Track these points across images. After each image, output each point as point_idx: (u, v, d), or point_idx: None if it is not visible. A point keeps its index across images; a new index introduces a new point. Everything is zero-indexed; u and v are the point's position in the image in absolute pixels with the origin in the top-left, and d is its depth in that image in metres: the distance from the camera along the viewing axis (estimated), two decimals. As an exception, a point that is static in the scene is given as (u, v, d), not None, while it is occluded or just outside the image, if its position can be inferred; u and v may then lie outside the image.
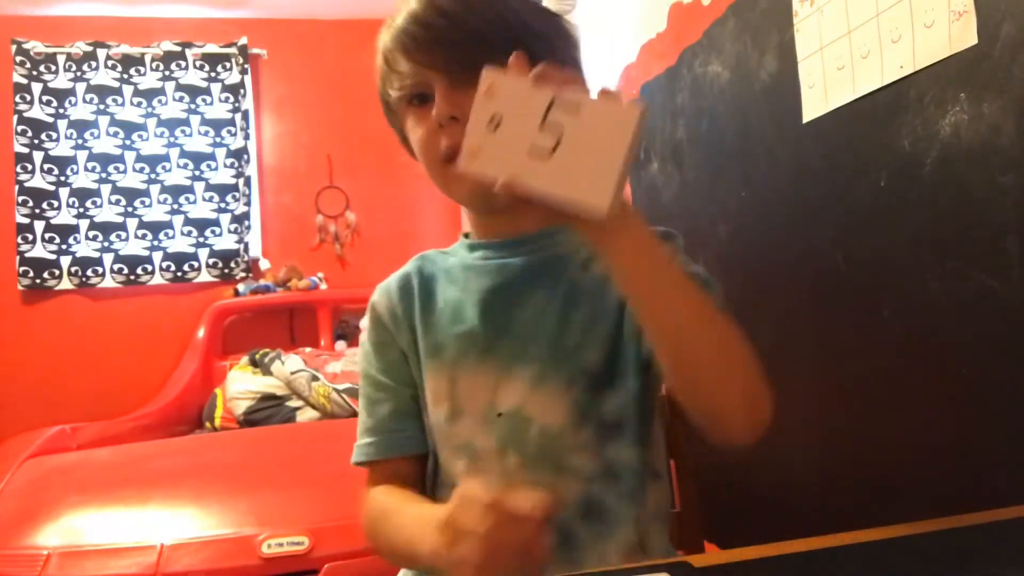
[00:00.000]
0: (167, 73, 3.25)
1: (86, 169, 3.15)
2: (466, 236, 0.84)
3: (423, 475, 0.79)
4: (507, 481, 0.67)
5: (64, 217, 3.11)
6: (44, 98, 3.13)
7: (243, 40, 3.28)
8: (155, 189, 3.20)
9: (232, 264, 3.23)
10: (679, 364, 0.61)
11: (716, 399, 0.61)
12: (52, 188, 3.10)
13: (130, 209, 3.17)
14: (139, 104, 3.22)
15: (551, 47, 0.72)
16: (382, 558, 0.76)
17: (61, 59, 3.15)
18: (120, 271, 3.14)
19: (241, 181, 3.24)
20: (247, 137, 3.27)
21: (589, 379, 0.72)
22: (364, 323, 0.83)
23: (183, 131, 3.24)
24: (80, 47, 3.16)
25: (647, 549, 0.73)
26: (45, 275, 3.07)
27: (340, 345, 3.11)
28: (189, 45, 3.26)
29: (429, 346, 0.77)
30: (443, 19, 0.70)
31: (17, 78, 3.10)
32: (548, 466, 0.72)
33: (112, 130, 3.18)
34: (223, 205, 3.24)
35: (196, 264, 3.20)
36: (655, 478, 0.76)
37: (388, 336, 0.80)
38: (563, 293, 0.74)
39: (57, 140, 3.13)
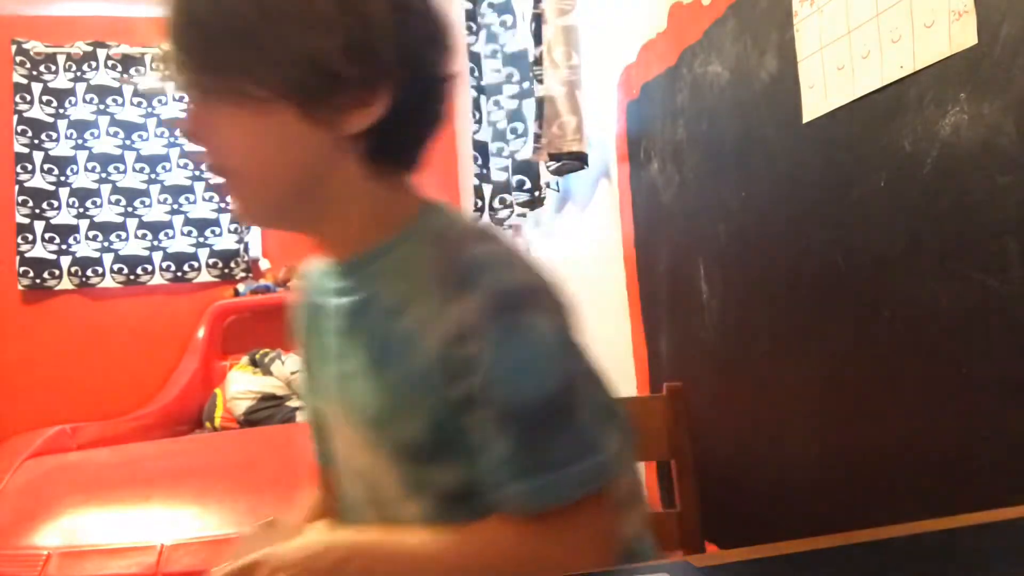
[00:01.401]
0: (167, 73, 3.24)
1: (86, 169, 3.15)
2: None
3: None
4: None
5: (64, 217, 3.11)
6: (44, 98, 3.13)
7: (243, 40, 3.28)
8: (155, 189, 3.21)
9: (232, 264, 3.23)
10: None
11: None
12: (52, 188, 3.10)
13: (130, 209, 3.17)
14: (139, 104, 3.22)
15: (294, 59, 0.56)
16: None
17: (61, 59, 3.15)
18: (120, 271, 3.14)
19: (241, 181, 3.25)
20: (247, 137, 3.27)
21: (413, 451, 0.61)
22: None
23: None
24: (80, 47, 3.17)
25: None
26: (45, 275, 3.07)
27: (340, 345, 3.11)
28: (189, 45, 3.26)
29: (307, 380, 0.76)
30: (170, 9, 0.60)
31: (17, 78, 3.10)
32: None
33: (112, 130, 3.18)
34: (223, 205, 3.24)
35: (196, 264, 3.20)
36: None
37: (300, 350, 0.78)
38: (376, 350, 0.62)
39: (57, 140, 3.13)
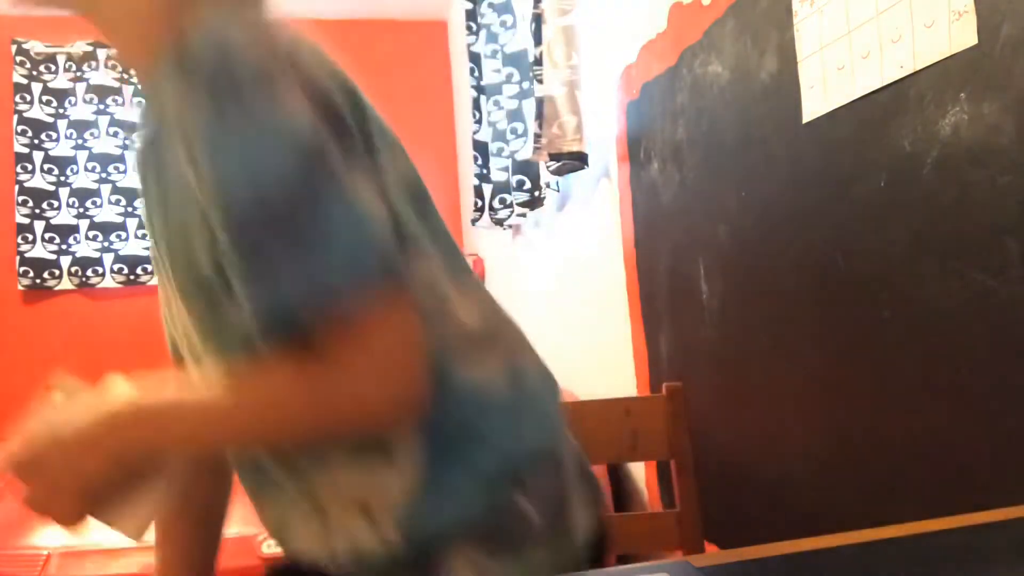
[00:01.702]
0: (167, 73, 3.25)
1: (86, 169, 3.15)
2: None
3: None
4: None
5: (64, 217, 3.11)
6: (44, 98, 3.13)
7: (243, 40, 3.28)
8: (155, 189, 3.21)
9: (232, 264, 3.23)
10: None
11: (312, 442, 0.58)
12: (52, 188, 3.10)
13: (130, 209, 3.17)
14: (139, 104, 3.22)
15: None
16: None
17: (61, 59, 3.15)
18: (120, 271, 3.14)
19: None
20: (247, 137, 3.27)
21: (205, 290, 0.58)
22: None
23: (183, 131, 3.24)
24: (80, 47, 3.17)
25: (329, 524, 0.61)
26: (45, 275, 3.07)
27: (340, 345, 3.11)
28: (189, 45, 3.27)
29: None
30: None
31: (17, 78, 3.10)
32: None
33: (112, 130, 3.18)
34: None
35: (196, 264, 3.21)
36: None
37: None
38: (163, 185, 0.59)
39: (57, 140, 3.13)
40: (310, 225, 0.49)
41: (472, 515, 0.59)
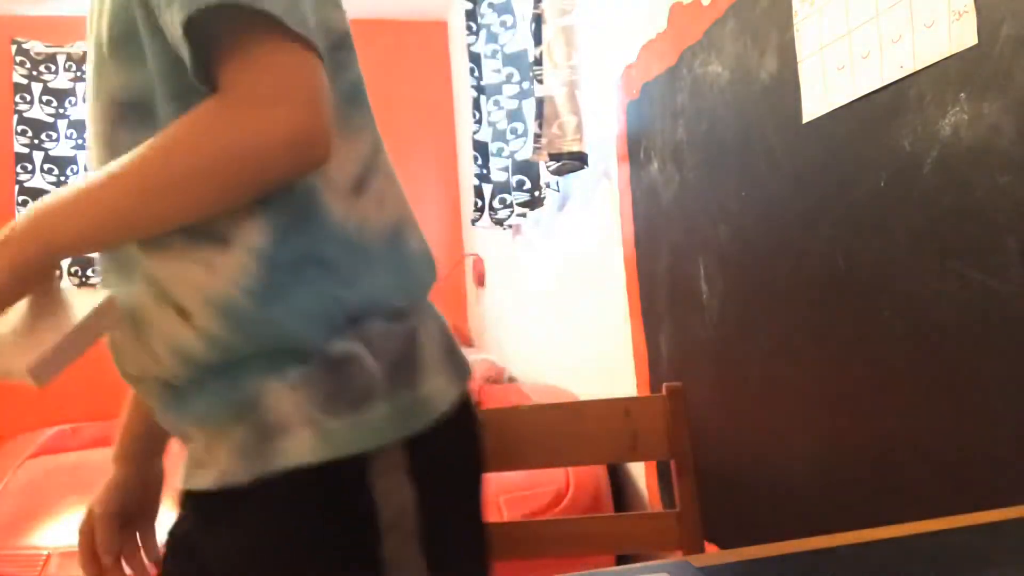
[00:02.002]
0: (167, 73, 3.25)
1: (86, 169, 3.15)
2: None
3: None
4: None
5: (64, 217, 3.11)
6: (44, 98, 3.13)
7: (243, 40, 3.28)
8: (155, 189, 3.21)
9: (232, 264, 3.23)
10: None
11: (217, 203, 0.54)
12: (52, 188, 3.10)
13: (130, 209, 3.18)
14: None
15: None
16: None
17: (61, 59, 3.15)
18: (120, 271, 3.14)
19: (241, 181, 3.25)
20: (247, 137, 3.27)
21: (105, 48, 0.59)
22: None
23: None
24: (80, 47, 3.17)
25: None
26: (45, 275, 3.07)
27: (340, 345, 3.11)
28: (189, 45, 3.27)
29: None
30: None
31: (17, 78, 3.10)
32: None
33: (112, 130, 3.18)
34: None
35: (196, 264, 3.21)
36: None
37: None
38: None
39: (57, 140, 3.13)
40: None
41: (307, 338, 0.56)
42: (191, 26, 0.50)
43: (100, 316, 0.56)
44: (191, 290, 0.56)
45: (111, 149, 0.59)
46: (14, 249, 0.53)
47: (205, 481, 0.59)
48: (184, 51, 0.52)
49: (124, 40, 0.57)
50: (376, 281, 0.60)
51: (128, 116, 0.58)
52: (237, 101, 0.52)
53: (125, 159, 0.53)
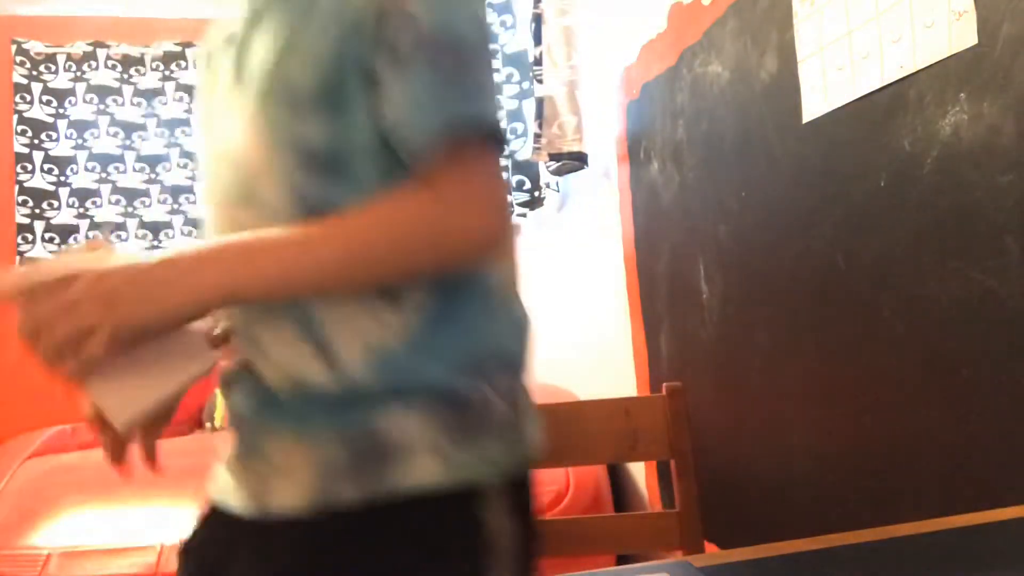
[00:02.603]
0: (167, 73, 3.25)
1: (86, 169, 3.15)
2: None
3: None
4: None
5: (64, 217, 3.11)
6: (44, 98, 3.13)
7: (243, 40, 3.29)
8: (155, 189, 3.21)
9: (232, 264, 3.23)
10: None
11: (398, 278, 0.59)
12: (52, 188, 3.10)
13: (130, 209, 3.17)
14: (139, 104, 3.22)
15: None
16: None
17: (61, 59, 3.15)
18: (120, 271, 3.14)
19: (241, 181, 3.25)
20: (247, 137, 3.27)
21: (294, 96, 0.60)
22: None
23: (183, 131, 3.24)
24: (80, 47, 3.17)
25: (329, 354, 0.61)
26: (45, 275, 3.07)
27: (340, 345, 3.11)
28: (189, 45, 3.27)
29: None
30: None
31: (17, 78, 3.10)
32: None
33: (112, 130, 3.18)
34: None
35: (196, 264, 3.21)
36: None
37: None
38: (293, 10, 0.61)
39: (57, 140, 3.13)
40: (475, 67, 0.59)
41: (442, 380, 0.60)
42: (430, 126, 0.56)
43: (206, 367, 0.57)
44: (352, 336, 0.59)
45: (291, 195, 0.60)
46: (190, 289, 0.54)
47: (291, 499, 0.59)
48: (409, 138, 0.57)
49: (327, 91, 0.58)
50: (501, 334, 0.65)
51: (315, 165, 0.59)
52: (450, 203, 0.58)
53: (330, 225, 0.56)
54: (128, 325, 0.52)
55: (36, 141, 3.10)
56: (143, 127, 3.22)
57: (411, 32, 0.57)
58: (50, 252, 3.08)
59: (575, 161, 1.94)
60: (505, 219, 0.61)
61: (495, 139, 0.60)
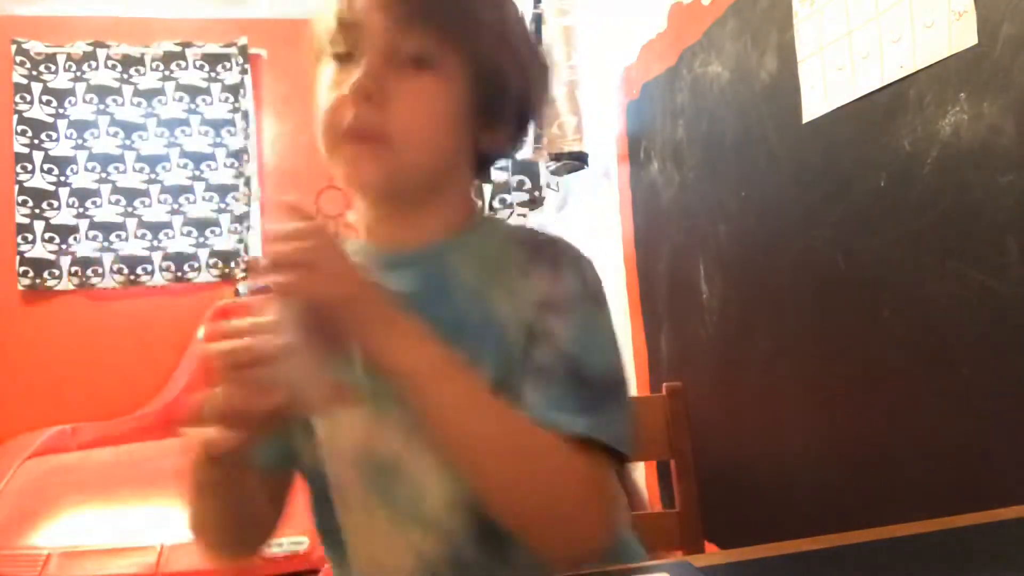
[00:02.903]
0: (167, 73, 3.25)
1: (86, 169, 3.15)
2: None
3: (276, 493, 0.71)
4: (374, 530, 0.64)
5: (64, 217, 3.11)
6: (44, 98, 3.13)
7: (243, 40, 3.28)
8: (155, 189, 3.21)
9: (232, 264, 3.23)
10: (457, 461, 0.58)
11: (504, 507, 0.57)
12: (52, 188, 3.10)
13: (130, 209, 3.17)
14: (139, 104, 3.22)
15: (510, 72, 0.66)
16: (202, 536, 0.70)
17: (61, 59, 3.15)
18: (120, 271, 3.14)
19: (241, 181, 3.25)
20: (247, 137, 3.27)
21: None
22: None
23: (183, 131, 3.24)
24: (80, 47, 3.17)
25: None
26: (45, 275, 3.07)
27: (340, 345, 3.11)
28: (189, 45, 3.27)
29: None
30: None
31: (17, 78, 3.10)
32: (416, 525, 0.64)
33: (112, 130, 3.18)
34: (223, 205, 3.24)
35: (196, 264, 3.20)
36: None
37: None
38: (447, 327, 0.61)
39: (57, 140, 3.13)
40: (623, 398, 0.64)
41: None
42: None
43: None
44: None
45: None
46: (382, 335, 0.56)
47: None
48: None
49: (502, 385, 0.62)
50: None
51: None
52: (592, 489, 0.59)
53: (502, 405, 0.58)
54: (327, 302, 0.55)
55: (36, 141, 3.10)
56: (143, 127, 3.22)
57: (561, 370, 0.61)
58: (50, 252, 3.09)
59: (575, 161, 1.94)
60: (614, 524, 0.63)
61: (622, 458, 0.61)
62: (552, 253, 0.66)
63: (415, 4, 0.61)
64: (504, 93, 0.67)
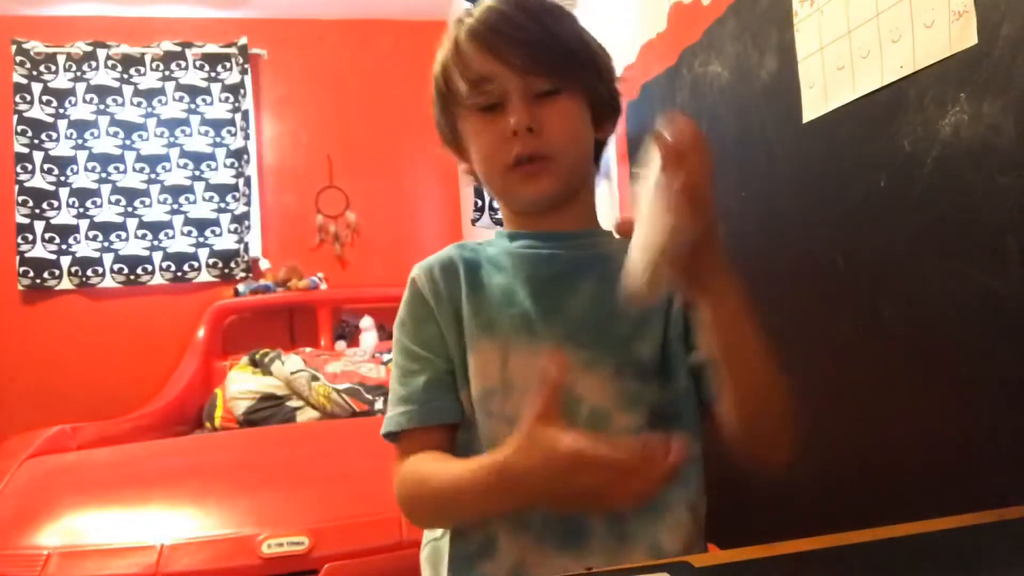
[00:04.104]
0: (167, 73, 3.25)
1: (86, 169, 3.15)
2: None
3: (453, 447, 0.79)
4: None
5: (64, 217, 3.11)
6: (44, 98, 3.13)
7: (243, 40, 3.28)
8: (155, 189, 3.20)
9: (232, 264, 3.23)
10: (743, 408, 0.70)
11: (767, 436, 0.72)
12: (52, 188, 3.10)
13: (130, 209, 3.17)
14: (139, 104, 3.22)
15: (601, 78, 0.82)
16: (423, 525, 0.79)
17: (61, 59, 3.15)
18: (120, 271, 3.14)
19: (241, 181, 3.24)
20: (247, 137, 3.27)
21: (639, 369, 0.75)
22: (404, 297, 0.85)
23: (183, 131, 3.24)
24: (80, 47, 3.17)
25: (699, 530, 0.78)
26: (45, 275, 3.07)
27: (340, 345, 3.11)
28: (189, 45, 3.27)
29: (480, 323, 0.78)
30: (535, 25, 0.76)
31: (17, 78, 3.10)
32: None
33: (112, 130, 3.18)
34: (223, 205, 3.24)
35: (196, 264, 3.20)
36: (699, 464, 0.83)
37: (428, 311, 0.81)
38: (612, 287, 0.70)
39: (57, 140, 3.13)
40: None
41: None
42: None
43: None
44: None
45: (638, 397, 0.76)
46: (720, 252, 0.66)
47: None
48: None
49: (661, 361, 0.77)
50: None
51: (659, 423, 0.75)
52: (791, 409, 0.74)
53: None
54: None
55: (36, 141, 3.10)
56: (143, 127, 3.22)
57: None
58: (50, 252, 3.08)
59: (575, 161, 1.93)
60: None
61: None
62: None
63: (527, 52, 0.75)
64: (603, 96, 0.82)
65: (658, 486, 0.58)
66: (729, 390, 0.69)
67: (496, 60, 0.75)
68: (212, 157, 3.25)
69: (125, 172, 3.19)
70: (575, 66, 0.79)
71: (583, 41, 0.81)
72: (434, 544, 0.82)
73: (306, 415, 2.48)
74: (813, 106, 1.12)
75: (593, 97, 0.81)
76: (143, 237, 3.18)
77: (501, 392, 0.76)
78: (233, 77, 3.28)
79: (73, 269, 3.09)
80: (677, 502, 0.76)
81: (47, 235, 3.09)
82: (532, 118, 0.75)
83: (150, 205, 3.20)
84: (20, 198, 3.06)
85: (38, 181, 3.09)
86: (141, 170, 3.20)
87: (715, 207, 0.61)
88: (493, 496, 0.65)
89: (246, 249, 3.25)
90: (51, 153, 3.12)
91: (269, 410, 2.52)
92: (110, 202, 3.16)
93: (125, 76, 3.22)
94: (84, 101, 3.17)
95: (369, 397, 2.49)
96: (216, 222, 3.23)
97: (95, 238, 3.13)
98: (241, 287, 3.16)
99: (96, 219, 3.14)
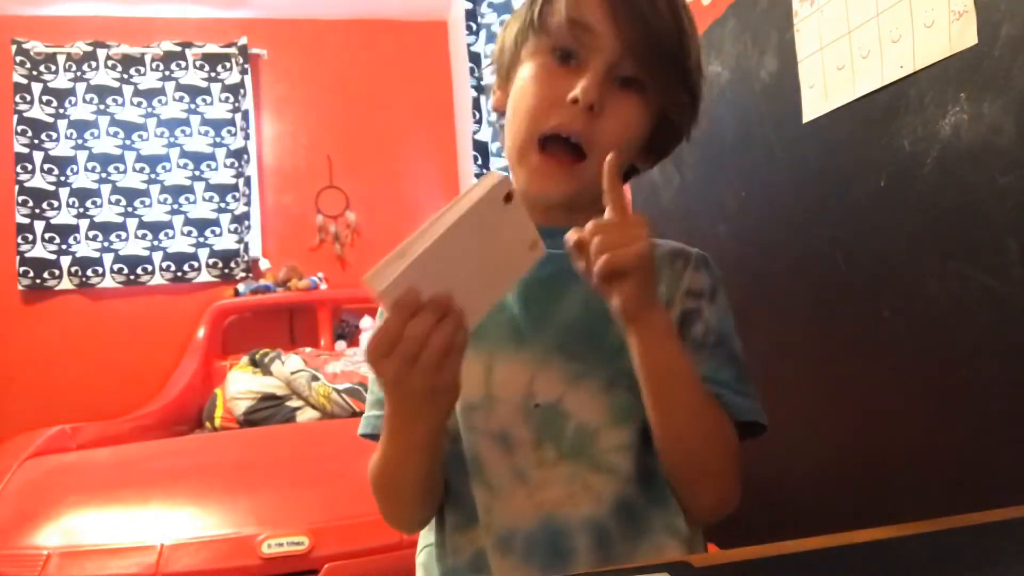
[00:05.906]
0: (167, 73, 3.25)
1: (86, 169, 3.15)
2: None
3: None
4: (543, 472, 0.69)
5: (64, 217, 3.11)
6: (44, 98, 3.13)
7: (243, 40, 3.28)
8: (155, 189, 3.21)
9: (232, 264, 3.23)
10: (661, 442, 0.68)
11: (692, 481, 0.70)
12: (52, 188, 3.10)
13: (130, 209, 3.18)
14: (139, 104, 3.22)
15: (691, 107, 0.78)
16: (388, 518, 0.75)
17: (61, 59, 3.16)
18: (120, 271, 3.14)
19: (241, 181, 3.25)
20: (247, 137, 3.27)
21: (631, 381, 0.68)
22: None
23: (183, 131, 3.24)
24: (80, 47, 3.17)
25: (688, 549, 0.74)
26: (45, 275, 3.07)
27: (340, 345, 3.11)
28: (189, 45, 3.27)
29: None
30: (668, 10, 0.69)
31: (17, 78, 3.10)
32: (584, 462, 0.70)
33: (112, 130, 3.18)
34: (223, 205, 3.24)
35: (196, 264, 3.21)
36: None
37: None
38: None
39: (57, 140, 3.13)
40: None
41: None
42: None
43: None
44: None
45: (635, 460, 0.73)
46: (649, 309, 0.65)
47: None
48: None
49: None
50: None
51: (649, 439, 0.72)
52: (738, 456, 0.74)
53: (700, 380, 0.68)
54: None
55: (36, 141, 3.10)
56: (143, 127, 3.22)
57: (726, 350, 0.77)
58: (50, 252, 3.09)
59: (575, 161, 1.93)
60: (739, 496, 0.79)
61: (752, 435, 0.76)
62: (684, 252, 0.77)
63: (645, 31, 0.67)
64: (675, 130, 0.78)
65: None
66: (651, 419, 0.67)
67: (610, 18, 0.66)
68: (212, 157, 3.25)
69: (125, 172, 3.19)
70: (673, 73, 0.71)
71: (698, 62, 0.75)
72: (429, 549, 0.81)
73: (306, 415, 2.48)
74: (813, 106, 1.12)
75: (663, 121, 0.75)
76: (143, 237, 3.18)
77: (484, 408, 0.72)
78: (233, 77, 3.28)
79: (73, 269, 3.09)
80: (659, 527, 0.72)
81: (47, 235, 3.09)
82: (600, 95, 0.67)
83: (150, 205, 3.20)
84: (20, 198, 3.06)
85: (38, 181, 3.09)
86: (141, 170, 3.20)
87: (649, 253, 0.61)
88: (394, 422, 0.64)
89: (246, 249, 3.25)
90: (51, 153, 3.12)
91: (269, 410, 2.52)
92: (110, 202, 3.16)
93: (125, 76, 3.22)
94: (84, 101, 3.17)
95: (369, 397, 2.49)
96: (216, 222, 3.23)
97: (95, 238, 3.13)
98: (241, 287, 3.16)
99: (96, 219, 3.14)
